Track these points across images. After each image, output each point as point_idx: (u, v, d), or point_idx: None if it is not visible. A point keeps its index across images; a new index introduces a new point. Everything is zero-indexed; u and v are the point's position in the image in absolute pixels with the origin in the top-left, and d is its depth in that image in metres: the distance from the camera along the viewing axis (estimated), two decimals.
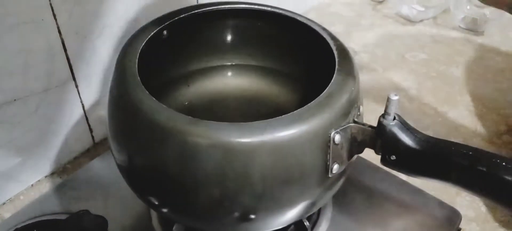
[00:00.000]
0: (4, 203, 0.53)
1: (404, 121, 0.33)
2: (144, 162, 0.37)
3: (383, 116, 0.33)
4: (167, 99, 0.47)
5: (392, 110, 0.32)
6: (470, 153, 0.31)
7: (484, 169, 0.30)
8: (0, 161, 0.50)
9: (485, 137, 0.64)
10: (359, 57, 0.81)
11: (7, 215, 0.52)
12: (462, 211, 0.52)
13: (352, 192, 0.53)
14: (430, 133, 0.35)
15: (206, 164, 0.33)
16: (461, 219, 0.51)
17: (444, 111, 0.69)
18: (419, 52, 0.82)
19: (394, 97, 0.32)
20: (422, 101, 0.70)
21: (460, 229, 0.50)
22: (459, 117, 0.68)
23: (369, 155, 0.46)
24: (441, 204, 0.53)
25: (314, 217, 0.50)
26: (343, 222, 0.50)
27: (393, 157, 0.34)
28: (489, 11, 0.87)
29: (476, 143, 0.63)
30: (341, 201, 0.52)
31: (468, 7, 0.89)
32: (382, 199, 0.53)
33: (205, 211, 0.37)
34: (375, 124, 0.35)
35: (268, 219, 0.37)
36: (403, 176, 0.56)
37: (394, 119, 0.33)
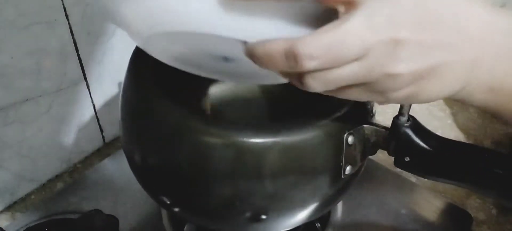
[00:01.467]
0: (15, 202, 0.53)
1: (418, 122, 0.33)
2: (156, 161, 0.37)
3: (397, 117, 0.33)
4: (181, 99, 0.47)
5: (407, 111, 0.32)
6: (486, 155, 0.31)
7: (500, 171, 0.30)
8: (12, 160, 0.51)
9: (496, 139, 0.64)
10: None
11: (18, 214, 0.52)
12: (472, 214, 0.52)
13: (362, 193, 0.53)
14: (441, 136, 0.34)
15: (218, 164, 0.33)
16: (472, 222, 0.51)
17: (453, 113, 0.68)
18: None
19: None
20: (432, 103, 0.70)
21: None
22: (469, 119, 0.67)
23: (379, 157, 0.46)
24: (452, 206, 0.53)
25: (325, 218, 0.50)
26: (353, 224, 0.50)
27: (407, 159, 0.33)
28: None
29: (486, 145, 0.63)
30: (351, 202, 0.52)
31: None
32: (392, 200, 0.53)
33: (216, 210, 0.37)
34: (387, 125, 0.35)
35: (280, 220, 0.37)
36: (413, 178, 0.56)
37: (408, 120, 0.33)
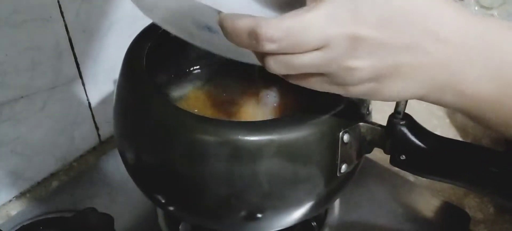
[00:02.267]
0: (10, 200, 0.53)
1: (414, 120, 0.33)
2: (151, 160, 0.36)
3: (393, 115, 0.33)
4: (175, 97, 0.46)
5: (402, 110, 0.32)
6: (482, 153, 0.31)
7: (496, 170, 0.30)
8: (7, 158, 0.50)
9: (494, 138, 0.63)
10: None
11: (13, 212, 0.52)
12: (470, 213, 0.52)
13: (359, 192, 0.52)
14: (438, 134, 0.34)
15: (213, 162, 0.33)
16: (470, 221, 0.51)
17: (452, 112, 0.68)
18: None
19: None
20: None
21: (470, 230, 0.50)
22: (467, 118, 0.67)
23: (376, 155, 0.46)
24: (450, 205, 0.52)
25: (321, 217, 0.50)
26: (350, 223, 0.50)
27: (403, 157, 0.33)
28: (497, 12, 0.86)
29: (484, 144, 0.63)
30: (348, 201, 0.52)
31: (476, 8, 0.89)
32: (389, 200, 0.52)
33: (212, 209, 0.36)
34: (383, 123, 0.35)
35: (275, 219, 0.37)
36: (410, 177, 0.56)
37: (404, 118, 0.33)
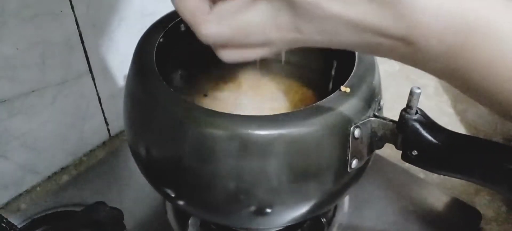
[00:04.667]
0: (20, 194, 0.53)
1: (426, 115, 0.33)
2: (161, 154, 0.36)
3: (405, 110, 0.32)
4: (185, 91, 0.46)
5: (415, 104, 0.32)
6: (496, 149, 0.31)
7: (511, 166, 0.29)
8: (17, 152, 0.51)
9: (506, 135, 0.63)
10: None
11: (23, 206, 0.52)
12: (481, 211, 0.51)
13: (368, 189, 0.52)
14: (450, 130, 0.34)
15: (223, 156, 0.33)
16: (481, 219, 0.50)
17: (462, 109, 0.67)
18: None
19: (417, 91, 0.31)
20: (441, 99, 0.69)
21: (481, 229, 0.49)
22: (478, 115, 0.66)
23: (386, 152, 0.45)
24: (461, 203, 0.52)
25: (330, 214, 0.49)
26: (360, 220, 0.50)
27: (415, 153, 0.33)
28: None
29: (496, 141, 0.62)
30: (357, 198, 0.51)
31: None
32: (399, 197, 0.52)
33: (221, 203, 0.36)
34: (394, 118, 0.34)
35: (284, 214, 0.37)
36: (421, 174, 0.55)
37: (417, 113, 0.32)
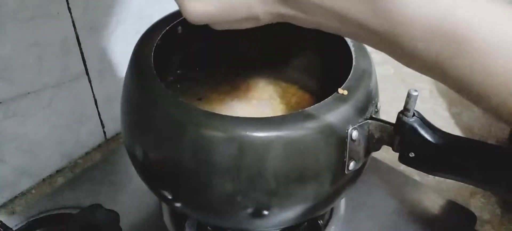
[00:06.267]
0: (16, 197, 0.53)
1: (423, 117, 0.33)
2: (158, 155, 0.36)
3: (402, 112, 0.33)
4: (182, 94, 0.46)
5: (412, 107, 0.32)
6: (493, 151, 0.31)
7: (508, 168, 0.30)
8: (13, 155, 0.51)
9: (500, 138, 0.63)
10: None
11: (19, 208, 0.52)
12: (476, 213, 0.52)
13: (365, 191, 0.52)
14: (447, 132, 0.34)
15: (220, 158, 0.33)
16: (476, 221, 0.51)
17: (457, 112, 0.68)
18: None
19: (414, 93, 0.31)
20: (436, 102, 0.70)
21: None
22: (473, 118, 0.67)
23: (382, 155, 0.45)
24: (456, 205, 0.52)
25: (327, 216, 0.49)
26: (356, 222, 0.50)
27: (412, 154, 0.33)
28: None
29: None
30: (353, 200, 0.51)
31: None
32: (395, 199, 0.52)
33: (218, 205, 0.36)
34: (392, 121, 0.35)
35: (281, 216, 0.37)
36: (416, 176, 0.55)
37: (414, 115, 0.32)
